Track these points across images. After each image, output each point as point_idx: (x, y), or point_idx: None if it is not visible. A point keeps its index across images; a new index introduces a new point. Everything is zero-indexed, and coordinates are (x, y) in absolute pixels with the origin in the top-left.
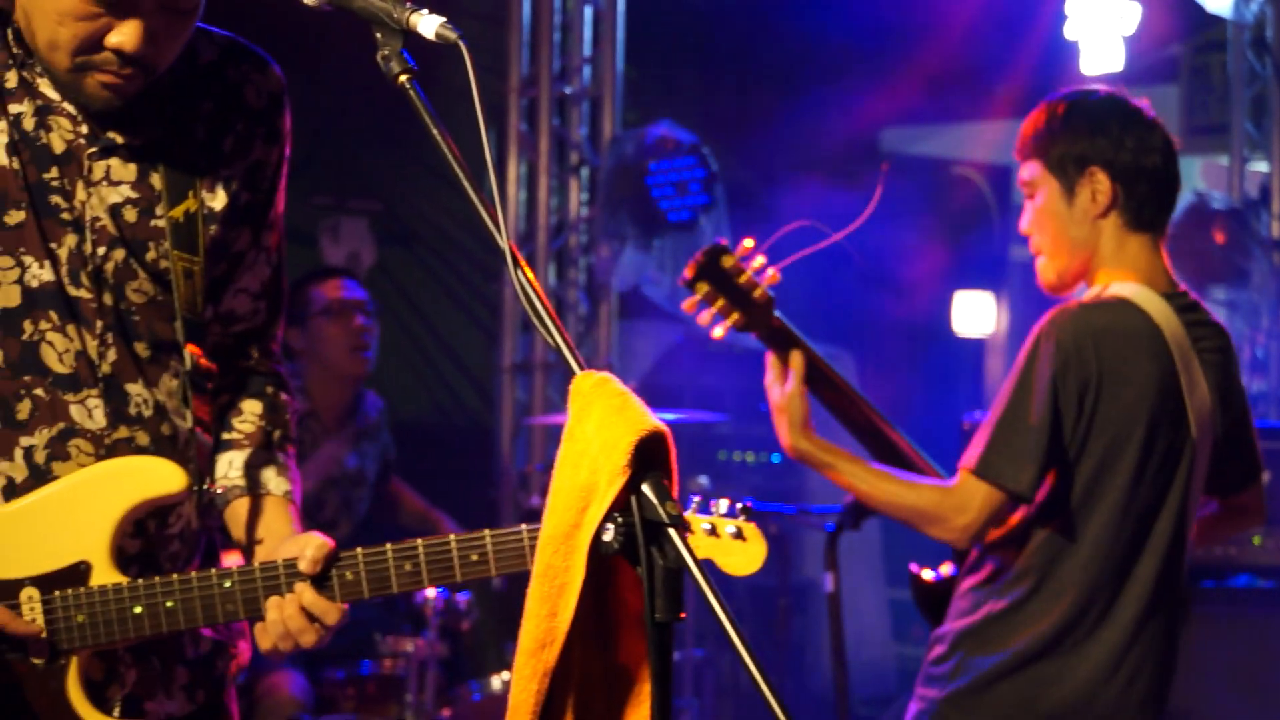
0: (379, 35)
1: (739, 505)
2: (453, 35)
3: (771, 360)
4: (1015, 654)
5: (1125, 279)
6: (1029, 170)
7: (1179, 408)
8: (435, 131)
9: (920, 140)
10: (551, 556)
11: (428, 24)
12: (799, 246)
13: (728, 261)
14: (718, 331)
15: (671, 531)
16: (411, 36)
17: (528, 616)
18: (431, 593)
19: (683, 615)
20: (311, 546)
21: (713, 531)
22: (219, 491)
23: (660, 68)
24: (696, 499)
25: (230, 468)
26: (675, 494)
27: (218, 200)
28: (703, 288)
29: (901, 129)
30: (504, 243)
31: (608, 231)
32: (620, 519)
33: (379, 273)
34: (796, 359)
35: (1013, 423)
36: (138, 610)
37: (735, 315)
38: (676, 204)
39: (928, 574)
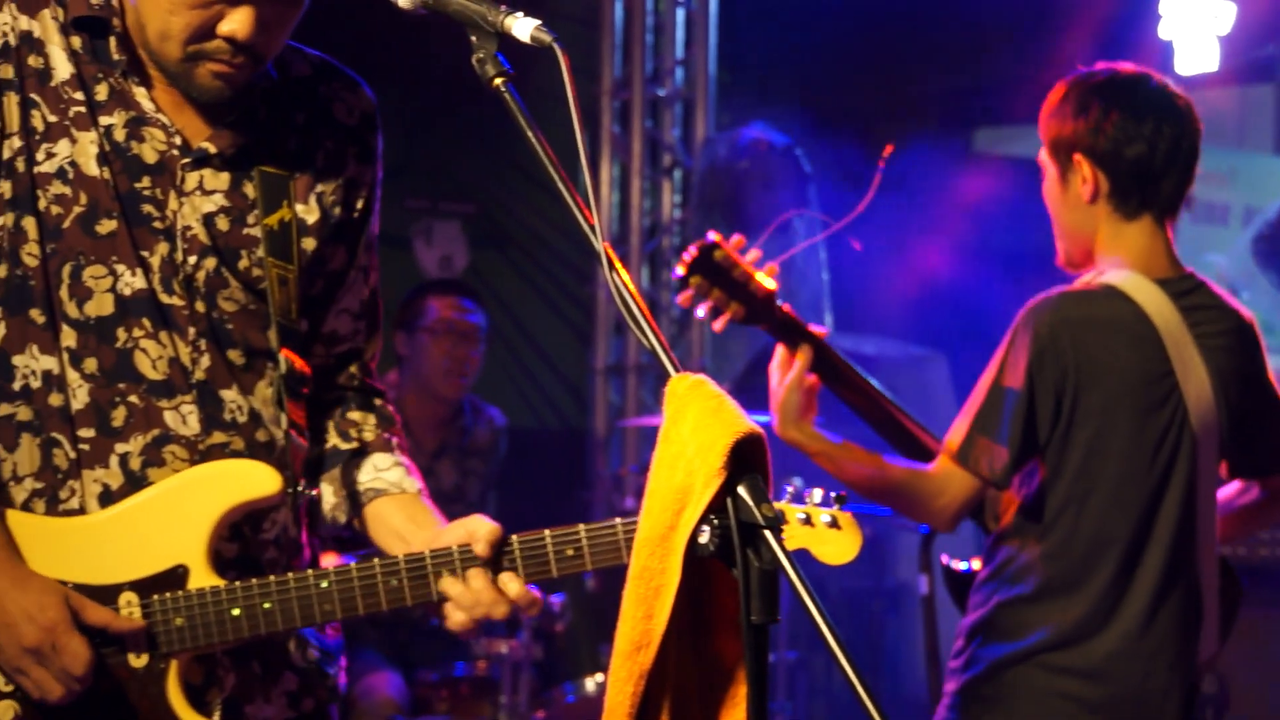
0: (474, 38)
1: (833, 494)
2: (547, 38)
3: (780, 350)
4: (1025, 646)
5: (1120, 265)
6: (1041, 152)
7: (1170, 396)
8: (530, 135)
9: (1013, 140)
10: (648, 559)
11: (523, 27)
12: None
13: (719, 255)
14: (718, 325)
15: (767, 533)
16: (506, 39)
17: (624, 619)
18: None
19: (778, 617)
20: (485, 530)
21: (807, 521)
22: (345, 497)
23: (753, 69)
24: (790, 489)
25: (361, 472)
26: (770, 495)
27: (311, 213)
28: (696, 280)
29: (995, 129)
30: (599, 245)
31: (701, 233)
32: (716, 521)
33: (472, 275)
34: (803, 350)
35: (988, 410)
36: (235, 612)
37: (734, 306)
38: (768, 206)
39: (958, 565)
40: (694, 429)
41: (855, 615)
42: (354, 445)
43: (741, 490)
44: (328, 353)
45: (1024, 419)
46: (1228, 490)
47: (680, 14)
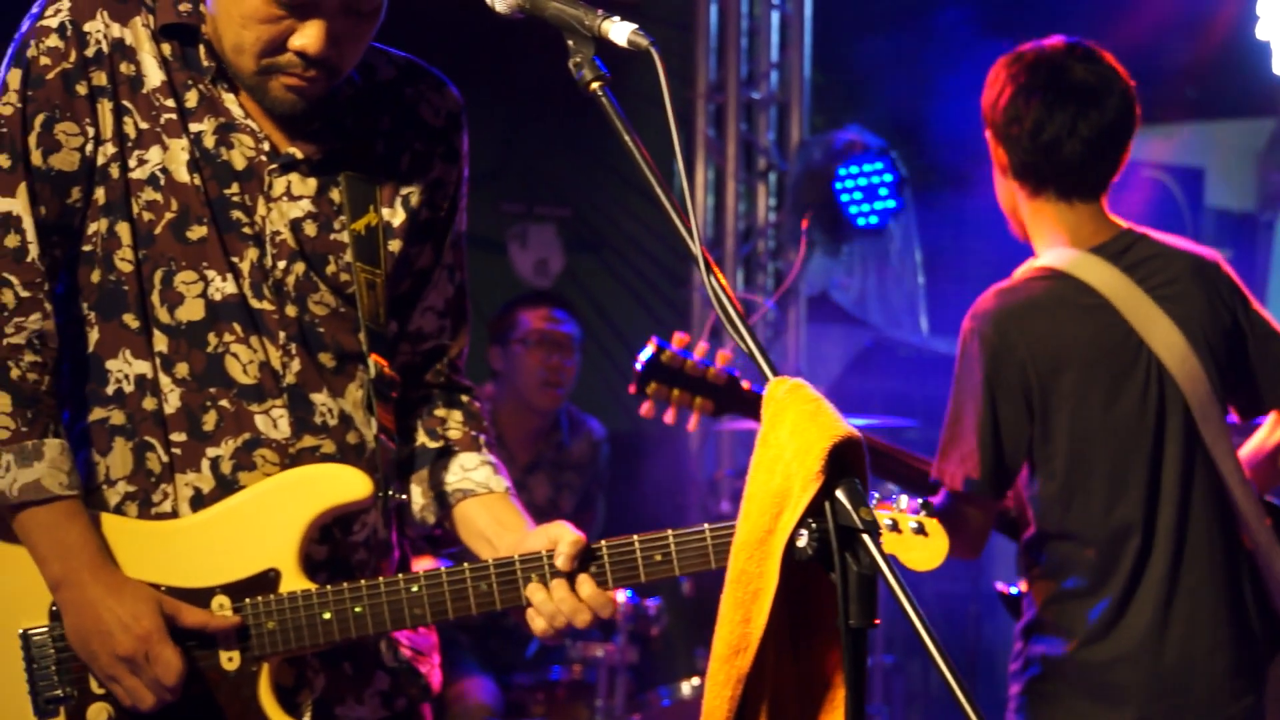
0: (570, 42)
1: (920, 501)
2: (644, 42)
3: None
4: (1073, 640)
5: (1052, 243)
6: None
7: (1139, 358)
8: (627, 138)
9: None
10: (745, 562)
11: (619, 31)
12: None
13: (666, 357)
14: (691, 424)
15: (865, 537)
16: (602, 43)
17: (721, 622)
18: (621, 597)
19: (876, 621)
20: (566, 542)
21: (895, 527)
22: (434, 497)
23: (848, 72)
24: (877, 495)
25: (448, 473)
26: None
27: (397, 216)
28: (653, 388)
29: None
30: (696, 249)
31: (795, 237)
32: (814, 525)
33: (567, 279)
34: None
35: (954, 423)
36: (326, 616)
37: (699, 401)
38: (865, 209)
39: (1010, 588)
40: (792, 433)
41: (951, 619)
42: (441, 444)
43: (839, 494)
44: (414, 350)
45: (991, 424)
46: (1258, 436)
47: (775, 17)
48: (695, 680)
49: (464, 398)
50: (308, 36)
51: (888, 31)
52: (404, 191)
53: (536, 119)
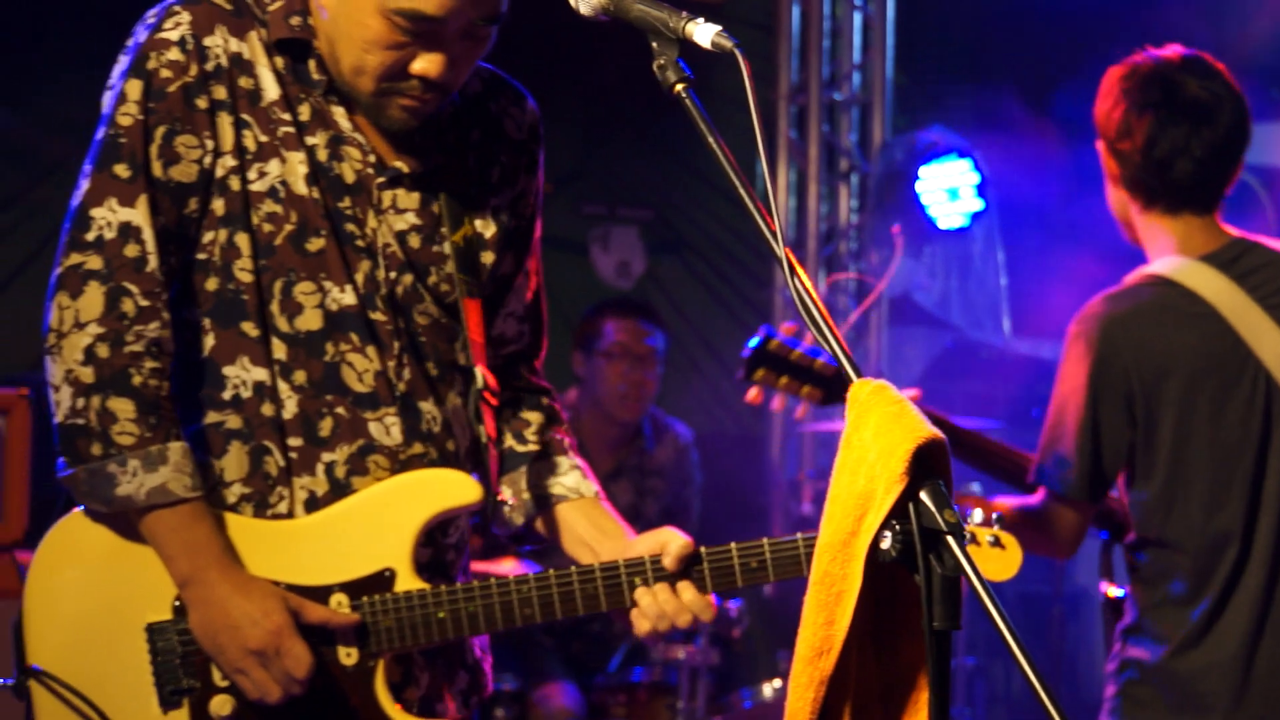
0: (654, 44)
1: (994, 515)
2: (729, 44)
3: None
4: (1168, 646)
5: (1162, 251)
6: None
7: (1246, 366)
8: (711, 140)
9: None
10: (829, 564)
11: (704, 33)
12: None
13: (774, 345)
14: (799, 412)
15: (950, 539)
16: (686, 45)
17: (805, 624)
18: None
19: (960, 623)
20: (676, 544)
21: (973, 540)
22: (525, 500)
23: (930, 73)
24: (957, 498)
25: (538, 476)
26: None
27: (489, 228)
28: (760, 374)
29: None
30: (781, 251)
31: (878, 238)
32: (898, 526)
33: (648, 281)
34: None
35: (1056, 425)
36: (441, 615)
37: (807, 389)
38: (947, 210)
39: (1114, 591)
40: (876, 434)
41: (1034, 621)
42: (529, 448)
43: (924, 496)
44: (496, 355)
45: (1091, 429)
46: None
47: (857, 18)
48: (777, 682)
49: (544, 400)
50: (430, 62)
51: (970, 33)
52: (494, 204)
53: (619, 121)
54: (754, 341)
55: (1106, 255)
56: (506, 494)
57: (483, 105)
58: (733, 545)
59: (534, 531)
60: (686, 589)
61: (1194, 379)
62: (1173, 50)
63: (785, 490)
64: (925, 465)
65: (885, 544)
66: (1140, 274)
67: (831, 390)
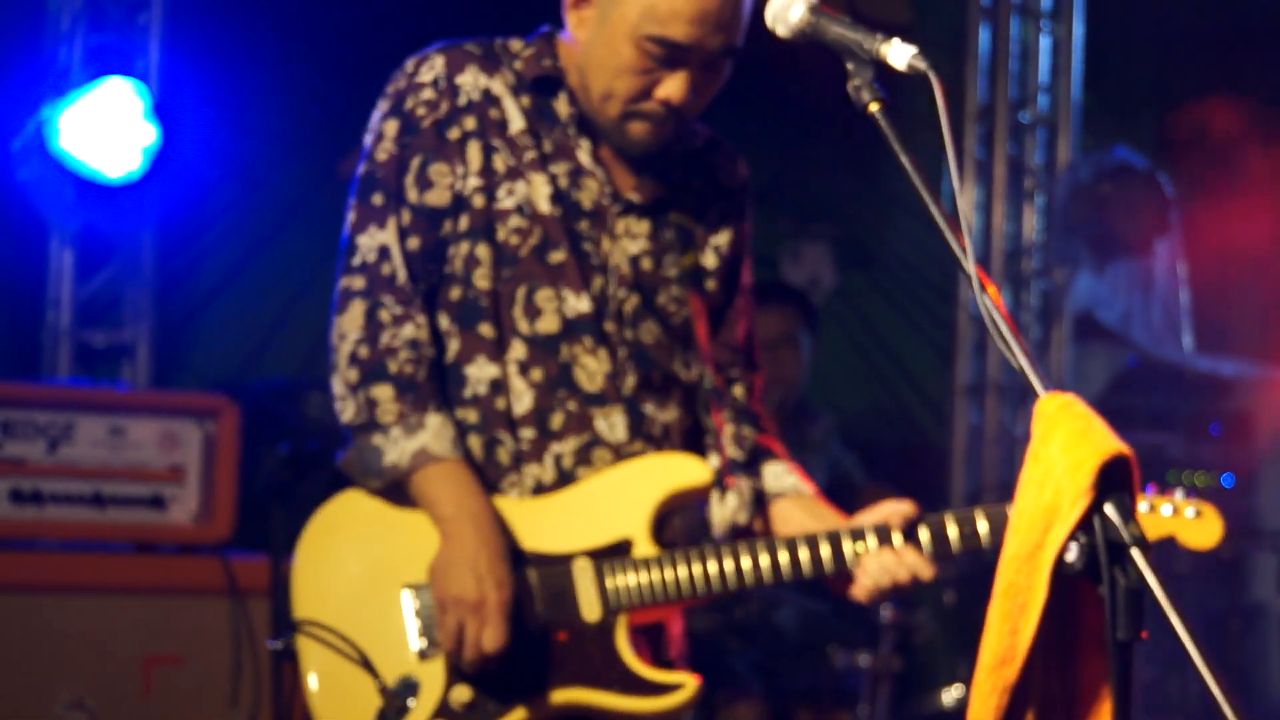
0: (850, 65)
1: (1195, 489)
2: (923, 65)
3: None
4: None
5: None
6: None
7: None
8: (904, 159)
9: None
10: (1015, 575)
11: (899, 54)
12: None
13: None
14: None
15: (1134, 552)
16: (881, 66)
17: (989, 633)
18: (887, 610)
19: (1144, 635)
20: (901, 506)
21: (1174, 511)
22: (747, 499)
23: (1117, 94)
24: (1154, 485)
25: (759, 479)
26: (1138, 515)
27: (709, 258)
28: None
29: None
30: (971, 268)
31: (1062, 256)
32: (1083, 539)
33: (838, 296)
34: None
35: None
36: (678, 573)
37: None
38: (1131, 229)
39: None
40: (1063, 449)
41: (1211, 634)
42: (748, 455)
43: (1108, 509)
44: (714, 376)
45: None
46: None
47: (1045, 40)
48: (957, 689)
49: (762, 422)
50: (673, 87)
51: (1158, 55)
52: (713, 241)
53: (810, 138)
54: None
55: None
56: (730, 495)
57: (703, 158)
58: (946, 514)
59: (757, 533)
60: (906, 550)
61: None
62: None
63: (968, 502)
64: (1111, 479)
65: (1070, 556)
66: None
67: None
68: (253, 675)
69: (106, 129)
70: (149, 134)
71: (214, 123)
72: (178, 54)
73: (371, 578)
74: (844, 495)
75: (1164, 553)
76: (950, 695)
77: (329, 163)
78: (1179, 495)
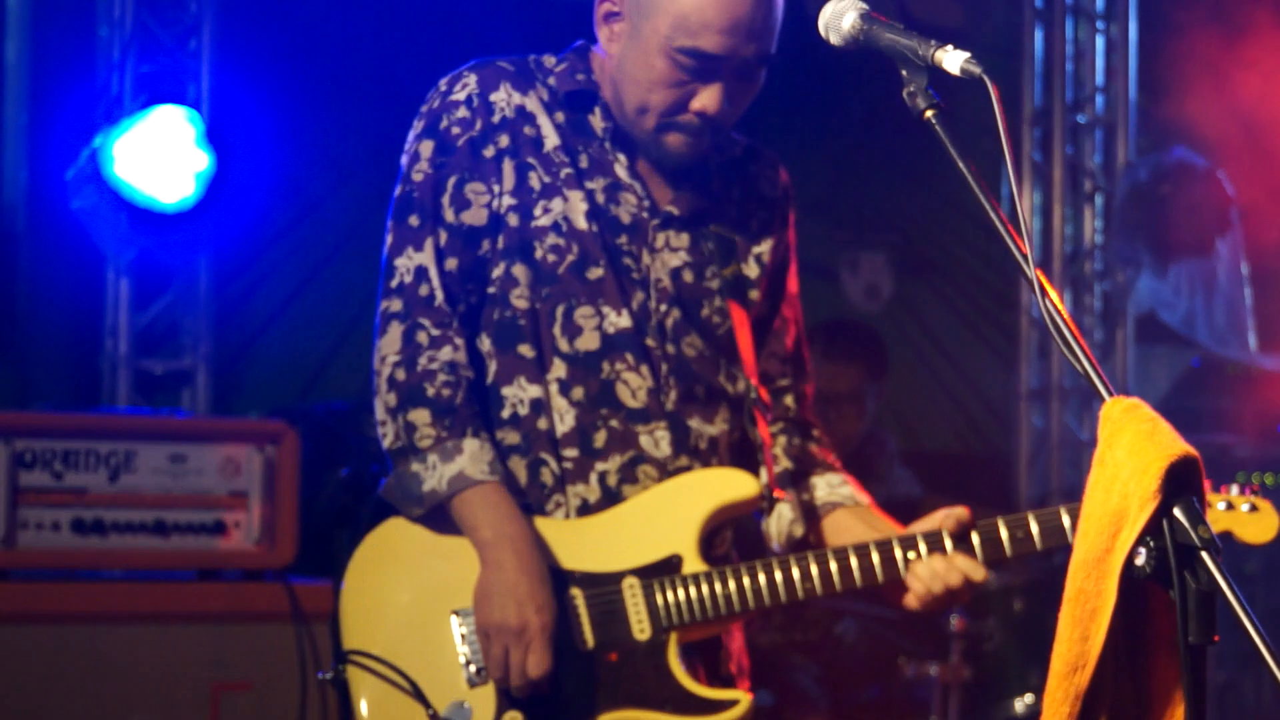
0: (904, 72)
1: (1250, 485)
2: (977, 70)
3: None
4: None
5: None
6: None
7: None
8: (962, 165)
9: None
10: (1084, 581)
11: (953, 60)
12: None
13: None
14: None
15: (1204, 554)
16: (936, 72)
17: (1060, 640)
18: (955, 619)
19: (1215, 638)
20: (955, 510)
21: (1229, 507)
22: (800, 511)
23: (1174, 94)
24: (1211, 481)
25: (816, 490)
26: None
27: (752, 269)
28: None
29: None
30: (1032, 273)
31: (1123, 258)
32: (1152, 543)
33: (897, 304)
34: None
35: None
36: (728, 587)
37: None
38: (1191, 228)
39: None
40: (1129, 453)
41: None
42: (803, 467)
43: (1177, 512)
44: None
45: None
46: None
47: (1100, 41)
48: (1028, 698)
49: (815, 432)
50: (707, 99)
51: (1213, 55)
52: (755, 250)
53: (867, 146)
54: None
55: None
56: (785, 507)
57: (742, 167)
58: (998, 519)
59: (812, 545)
60: (957, 555)
61: None
62: None
63: (1033, 507)
64: (1178, 482)
65: (1140, 560)
66: None
67: None
68: (319, 700)
69: (160, 156)
70: (202, 161)
71: (267, 148)
72: (229, 80)
73: (420, 605)
74: (903, 510)
75: (1234, 554)
76: (1023, 703)
77: (383, 186)
78: (1235, 491)
